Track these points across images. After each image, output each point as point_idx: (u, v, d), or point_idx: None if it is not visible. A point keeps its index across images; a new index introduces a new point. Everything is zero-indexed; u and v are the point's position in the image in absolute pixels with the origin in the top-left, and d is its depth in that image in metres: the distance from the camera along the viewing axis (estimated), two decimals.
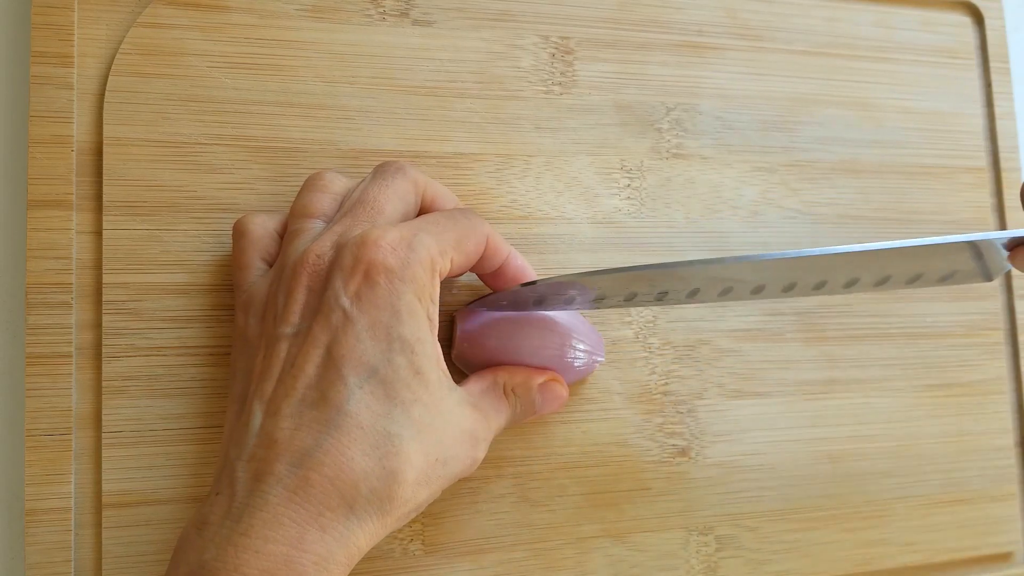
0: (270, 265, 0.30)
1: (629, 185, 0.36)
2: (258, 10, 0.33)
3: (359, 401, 0.25)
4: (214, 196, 0.32)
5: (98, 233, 0.31)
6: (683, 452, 0.36)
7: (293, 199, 0.32)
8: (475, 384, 0.30)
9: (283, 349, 0.26)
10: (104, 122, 0.31)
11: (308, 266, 0.27)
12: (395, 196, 0.29)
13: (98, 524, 0.29)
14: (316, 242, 0.27)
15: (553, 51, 0.36)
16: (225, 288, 0.31)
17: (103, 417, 0.30)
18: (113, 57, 0.31)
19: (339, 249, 0.27)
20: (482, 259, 0.30)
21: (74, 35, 0.31)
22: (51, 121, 0.30)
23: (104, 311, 0.30)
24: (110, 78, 0.31)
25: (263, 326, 0.28)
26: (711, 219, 0.37)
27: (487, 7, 0.35)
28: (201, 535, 0.24)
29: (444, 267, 0.28)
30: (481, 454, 0.29)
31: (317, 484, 0.24)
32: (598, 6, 0.37)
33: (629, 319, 0.36)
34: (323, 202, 0.29)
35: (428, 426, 0.26)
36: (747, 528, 0.36)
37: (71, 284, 0.30)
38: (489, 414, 0.30)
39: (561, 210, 0.35)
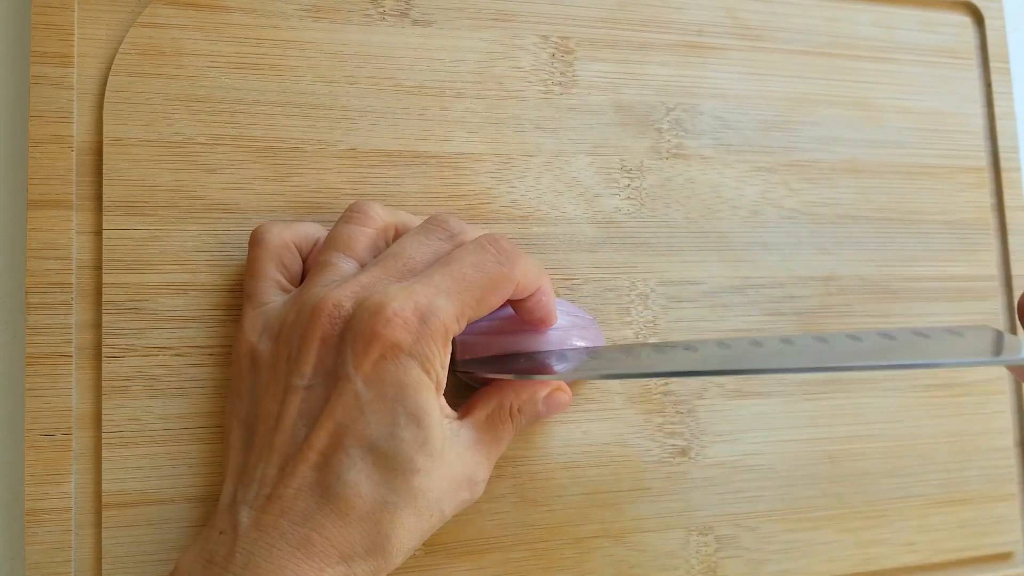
0: (284, 277, 0.30)
1: (629, 185, 0.36)
2: (258, 10, 0.33)
3: (360, 471, 0.26)
4: (214, 196, 0.32)
5: (98, 233, 0.31)
6: (683, 452, 0.36)
7: (294, 199, 0.32)
8: (480, 410, 0.30)
9: (295, 405, 0.27)
10: (104, 122, 0.31)
11: (325, 316, 0.27)
12: (432, 256, 0.28)
13: (98, 524, 0.29)
14: (338, 289, 0.27)
15: (553, 51, 0.36)
16: (225, 288, 0.31)
17: (103, 417, 0.30)
18: (113, 57, 0.31)
19: (356, 308, 0.27)
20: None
21: (74, 35, 0.31)
22: (51, 121, 0.30)
23: (104, 311, 0.30)
24: (110, 78, 0.31)
25: (276, 362, 0.28)
26: (711, 219, 0.37)
27: (487, 7, 0.35)
28: (207, 572, 0.25)
29: (459, 328, 0.28)
30: (480, 491, 0.29)
31: (318, 543, 0.25)
32: (598, 6, 0.37)
33: (629, 319, 0.36)
34: (359, 239, 0.29)
35: (427, 490, 0.27)
36: (747, 528, 0.36)
37: (71, 284, 0.30)
38: (491, 447, 0.30)
39: (561, 210, 0.35)
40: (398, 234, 0.31)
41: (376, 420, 0.26)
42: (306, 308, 0.27)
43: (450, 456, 0.28)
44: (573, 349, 0.32)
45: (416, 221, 0.31)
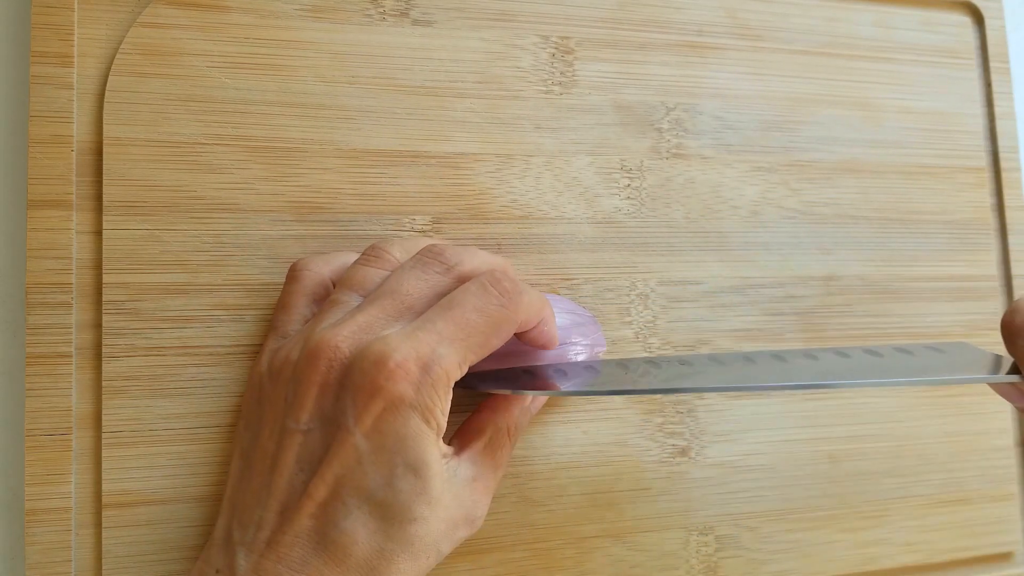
0: (314, 312, 0.30)
1: (629, 185, 0.36)
2: (258, 10, 0.33)
3: (356, 520, 0.26)
4: (214, 196, 0.32)
5: (98, 233, 0.31)
6: (683, 452, 0.36)
7: (294, 199, 0.32)
8: (478, 441, 0.30)
9: (294, 450, 0.26)
10: (104, 122, 0.31)
11: (323, 361, 0.26)
12: (429, 292, 0.28)
13: (98, 524, 0.29)
14: (335, 330, 0.27)
15: (553, 51, 0.36)
16: (225, 288, 0.31)
17: (103, 417, 0.30)
18: (113, 57, 0.31)
19: (356, 355, 0.26)
20: None
21: (74, 35, 0.31)
22: (51, 121, 0.30)
23: (104, 311, 0.30)
24: (110, 78, 0.31)
25: (275, 400, 0.27)
26: (711, 219, 0.37)
27: (487, 7, 0.35)
28: None
29: (462, 373, 0.27)
30: (479, 525, 0.29)
31: None
32: (598, 6, 0.37)
33: (629, 319, 0.36)
34: (373, 280, 0.29)
35: (424, 535, 0.26)
36: (747, 528, 0.36)
37: (71, 284, 0.30)
38: (490, 478, 0.29)
39: (561, 210, 0.35)
40: None
41: (374, 471, 0.26)
42: (306, 349, 0.27)
43: (447, 499, 0.27)
44: (573, 364, 0.32)
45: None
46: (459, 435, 0.30)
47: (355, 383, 0.26)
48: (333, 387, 0.26)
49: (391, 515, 0.26)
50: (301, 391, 0.26)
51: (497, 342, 0.27)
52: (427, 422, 0.26)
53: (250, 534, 0.26)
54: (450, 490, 0.27)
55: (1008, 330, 0.31)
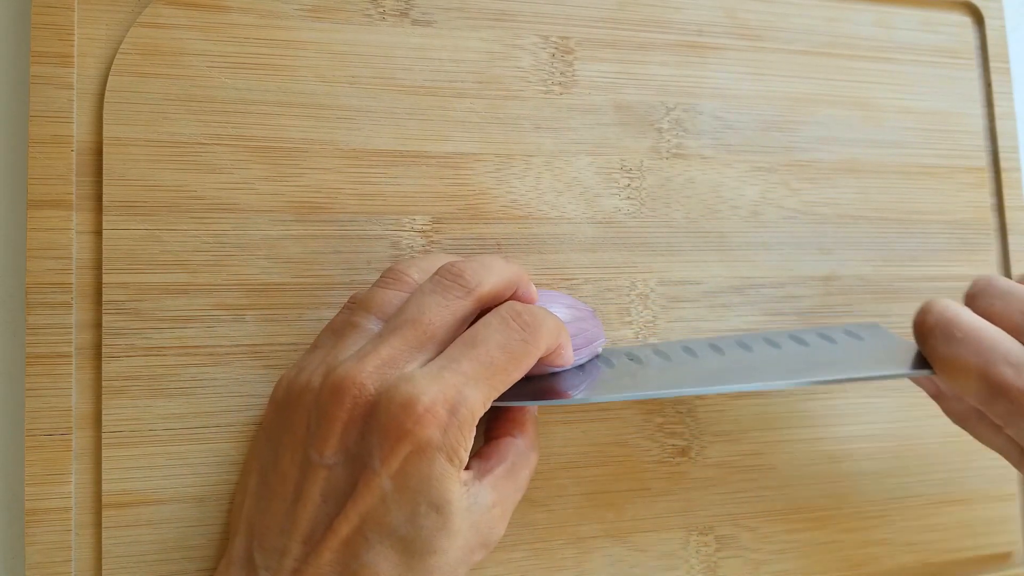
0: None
1: (629, 185, 0.36)
2: (258, 10, 0.33)
3: (378, 553, 0.26)
4: (214, 196, 0.32)
5: (98, 233, 0.31)
6: (683, 452, 0.36)
7: (294, 199, 0.32)
8: (499, 467, 0.29)
9: (318, 484, 0.26)
10: (104, 122, 0.31)
11: (348, 399, 0.26)
12: (451, 318, 0.27)
13: (98, 524, 0.29)
14: (359, 365, 0.26)
15: (553, 51, 0.36)
16: (225, 288, 0.31)
17: (103, 417, 0.30)
18: (113, 57, 0.31)
19: (382, 395, 0.26)
20: None
21: (74, 35, 0.31)
22: (51, 121, 0.30)
23: (104, 311, 0.30)
24: (110, 78, 0.31)
25: (295, 425, 0.27)
26: (711, 219, 0.37)
27: (487, 7, 0.35)
28: None
29: (484, 411, 0.27)
30: (494, 547, 0.29)
31: None
32: (598, 6, 0.37)
33: (629, 319, 0.36)
34: (392, 303, 0.28)
35: (444, 565, 0.27)
36: (747, 528, 0.36)
37: (71, 284, 0.30)
38: (508, 500, 0.29)
39: (561, 210, 0.35)
40: None
41: (398, 509, 0.26)
42: (328, 383, 0.27)
43: (466, 528, 0.27)
44: (588, 363, 0.32)
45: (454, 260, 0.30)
46: (480, 458, 0.29)
47: (382, 424, 0.25)
48: (358, 424, 0.26)
49: (412, 549, 0.26)
50: (325, 425, 0.26)
51: (519, 375, 0.28)
52: (451, 461, 0.26)
53: (274, 560, 0.26)
54: (469, 519, 0.27)
55: (920, 330, 0.32)
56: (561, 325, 0.29)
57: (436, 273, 0.28)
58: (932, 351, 0.31)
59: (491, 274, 0.29)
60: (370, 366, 0.26)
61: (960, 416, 0.35)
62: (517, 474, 0.30)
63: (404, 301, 0.28)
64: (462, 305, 0.28)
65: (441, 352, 0.27)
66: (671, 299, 0.36)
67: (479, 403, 0.26)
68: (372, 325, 0.28)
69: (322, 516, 0.26)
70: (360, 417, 0.26)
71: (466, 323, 0.28)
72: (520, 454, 0.30)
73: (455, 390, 0.26)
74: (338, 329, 0.29)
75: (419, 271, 0.29)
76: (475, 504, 0.27)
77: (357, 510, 0.26)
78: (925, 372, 0.32)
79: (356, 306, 0.29)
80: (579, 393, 0.30)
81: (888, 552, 0.38)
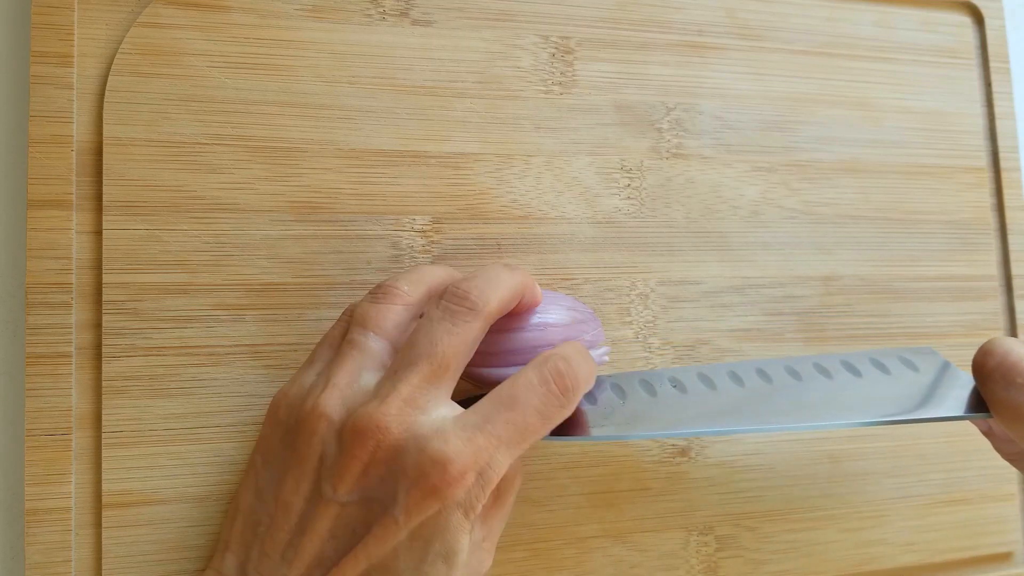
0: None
1: (629, 185, 0.36)
2: (258, 10, 0.33)
3: None
4: (214, 196, 0.32)
5: (98, 233, 0.31)
6: (683, 452, 0.36)
7: (294, 199, 0.32)
8: (488, 499, 0.29)
9: (328, 520, 0.26)
10: (104, 122, 0.31)
11: (371, 440, 0.26)
12: (463, 345, 0.27)
13: (98, 524, 0.29)
14: (381, 407, 0.26)
15: (553, 51, 0.36)
16: (225, 288, 0.31)
17: (103, 417, 0.30)
18: (113, 57, 0.31)
19: (408, 439, 0.26)
20: None
21: (74, 35, 0.31)
22: (51, 121, 0.30)
23: (104, 311, 0.30)
24: (110, 78, 0.31)
25: (302, 453, 0.27)
26: (711, 219, 0.37)
27: (487, 7, 0.35)
28: None
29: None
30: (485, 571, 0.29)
31: None
32: (598, 6, 0.37)
33: (629, 319, 0.36)
34: (387, 316, 0.28)
35: None
36: (747, 528, 0.36)
37: (71, 284, 0.30)
38: (495, 528, 0.30)
39: (561, 210, 0.35)
40: (431, 293, 0.29)
41: (407, 556, 0.26)
42: (350, 424, 0.26)
43: (462, 570, 0.27)
44: (600, 391, 0.32)
45: (446, 273, 0.30)
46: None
47: (410, 477, 0.25)
48: (380, 468, 0.26)
49: None
50: (343, 463, 0.26)
51: (546, 432, 0.28)
52: (467, 516, 0.26)
53: None
54: (467, 560, 0.27)
55: (980, 372, 0.31)
56: (595, 371, 0.29)
57: (442, 297, 0.28)
58: (991, 395, 0.30)
59: (497, 289, 0.28)
60: (393, 408, 0.26)
61: (1013, 457, 0.34)
62: (505, 503, 0.30)
63: (405, 321, 0.28)
64: (471, 328, 0.27)
65: (455, 377, 0.27)
66: (671, 299, 0.36)
67: (506, 466, 0.26)
68: (371, 343, 0.28)
69: (328, 552, 0.26)
70: (383, 460, 0.26)
71: (477, 342, 0.28)
72: (507, 480, 0.30)
73: (487, 456, 0.26)
74: (335, 345, 0.29)
75: (409, 283, 0.29)
76: (472, 545, 0.28)
77: (367, 553, 0.26)
78: (983, 415, 0.31)
79: (352, 321, 0.29)
80: (600, 431, 0.29)
81: (888, 552, 0.38)
